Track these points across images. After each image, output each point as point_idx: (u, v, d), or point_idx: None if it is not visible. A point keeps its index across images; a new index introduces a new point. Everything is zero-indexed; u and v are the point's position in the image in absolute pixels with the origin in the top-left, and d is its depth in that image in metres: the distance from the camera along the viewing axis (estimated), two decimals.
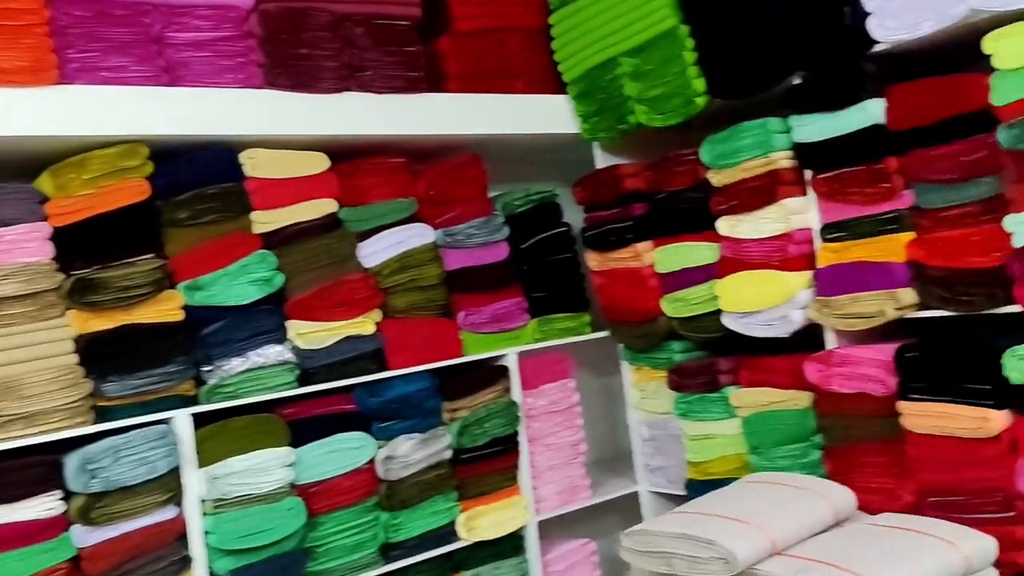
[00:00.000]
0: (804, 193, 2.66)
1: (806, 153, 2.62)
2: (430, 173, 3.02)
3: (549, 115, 3.16)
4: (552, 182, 3.37)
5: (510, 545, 3.03)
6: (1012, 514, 2.21)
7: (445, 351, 2.95)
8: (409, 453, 2.77)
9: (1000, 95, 2.18)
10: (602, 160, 3.23)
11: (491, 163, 3.16)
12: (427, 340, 2.90)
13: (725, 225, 2.81)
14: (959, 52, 2.30)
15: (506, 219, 3.13)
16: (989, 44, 2.18)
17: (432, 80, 2.93)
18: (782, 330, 2.70)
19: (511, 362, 3.06)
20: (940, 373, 2.33)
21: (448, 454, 2.88)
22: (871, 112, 2.45)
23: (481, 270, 3.05)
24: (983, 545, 2.05)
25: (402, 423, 2.79)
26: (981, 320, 2.34)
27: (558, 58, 3.17)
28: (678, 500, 2.81)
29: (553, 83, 3.19)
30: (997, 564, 2.07)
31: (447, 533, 2.88)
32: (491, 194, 3.18)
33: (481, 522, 2.92)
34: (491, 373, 3.02)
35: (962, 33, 2.26)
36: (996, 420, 2.20)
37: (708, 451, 2.96)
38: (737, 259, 2.79)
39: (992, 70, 2.19)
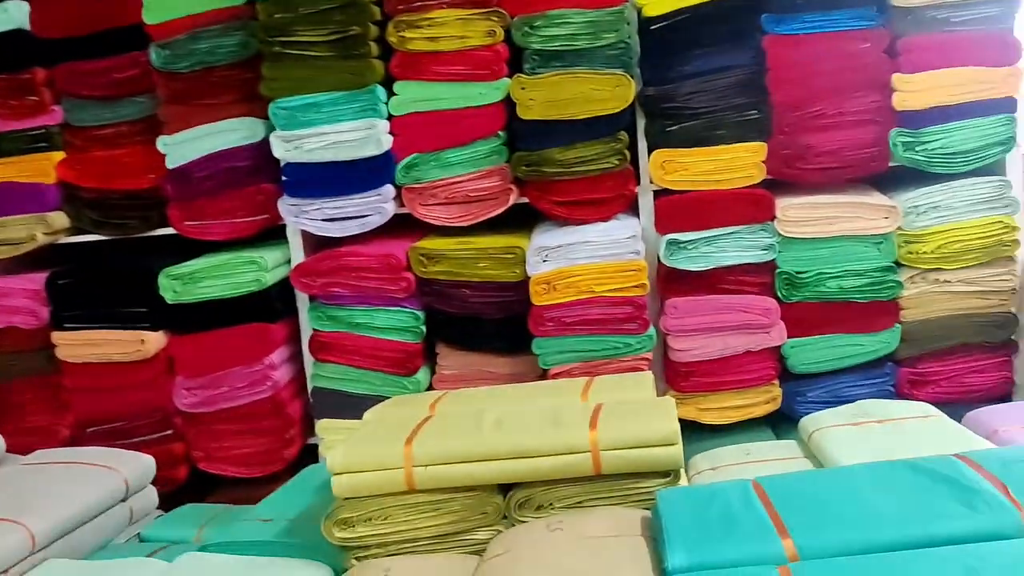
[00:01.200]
0: None
1: None
2: None
3: None
4: None
5: None
6: (170, 432, 2.27)
7: None
8: None
9: (152, 14, 2.18)
10: None
11: None
12: None
13: None
14: None
15: None
16: None
17: None
18: None
19: None
20: (95, 300, 2.26)
21: None
22: (13, 15, 2.23)
23: None
24: (141, 464, 2.04)
25: None
26: (140, 242, 2.33)
27: None
28: None
29: None
30: (156, 481, 2.08)
31: None
32: None
33: None
34: None
35: None
36: (153, 341, 2.23)
37: None
38: None
39: None
